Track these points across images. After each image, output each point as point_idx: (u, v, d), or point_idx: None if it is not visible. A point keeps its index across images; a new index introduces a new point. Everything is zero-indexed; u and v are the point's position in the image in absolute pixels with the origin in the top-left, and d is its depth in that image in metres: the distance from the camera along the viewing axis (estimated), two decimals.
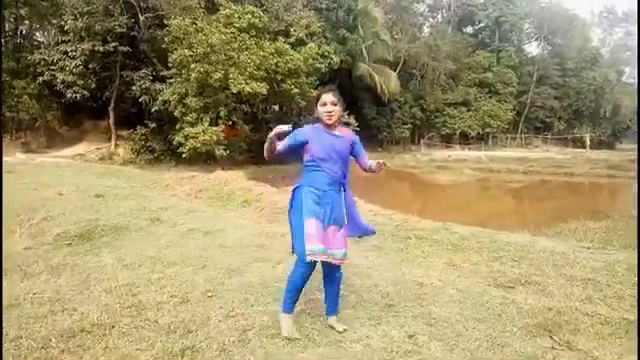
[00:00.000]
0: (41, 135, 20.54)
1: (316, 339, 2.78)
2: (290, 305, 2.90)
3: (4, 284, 3.46)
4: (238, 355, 2.59)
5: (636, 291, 3.41)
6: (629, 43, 51.92)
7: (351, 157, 2.98)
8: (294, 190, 2.93)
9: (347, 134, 2.98)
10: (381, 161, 2.86)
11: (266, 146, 2.81)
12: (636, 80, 52.01)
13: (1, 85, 18.38)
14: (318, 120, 2.91)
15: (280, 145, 2.83)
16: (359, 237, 3.34)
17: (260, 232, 5.70)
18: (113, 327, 2.88)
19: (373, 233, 3.26)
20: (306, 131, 2.90)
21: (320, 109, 2.87)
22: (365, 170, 2.98)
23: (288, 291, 2.88)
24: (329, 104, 2.85)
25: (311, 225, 2.74)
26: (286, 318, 2.88)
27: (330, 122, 2.87)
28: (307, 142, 2.86)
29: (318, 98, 2.90)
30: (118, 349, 2.63)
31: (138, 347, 2.65)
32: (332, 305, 3.00)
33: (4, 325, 2.77)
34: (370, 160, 2.95)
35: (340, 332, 2.88)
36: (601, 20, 54.13)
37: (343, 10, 29.07)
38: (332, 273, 2.92)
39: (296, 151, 2.90)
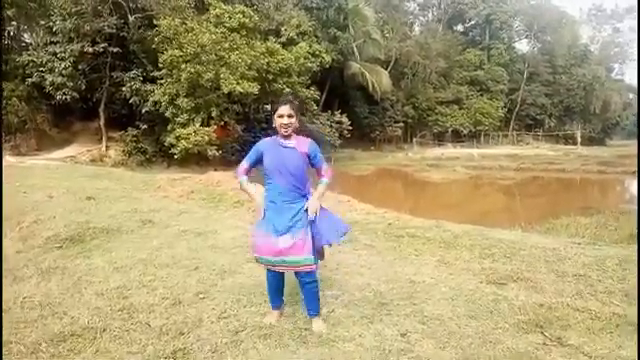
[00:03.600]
0: (31, 137, 20.29)
1: (308, 339, 2.78)
2: (273, 301, 3.12)
3: None
4: (230, 356, 2.58)
5: (636, 289, 3.43)
6: (617, 40, 52.57)
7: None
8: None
9: (302, 145, 2.92)
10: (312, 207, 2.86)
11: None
12: (624, 77, 52.70)
13: (0, 85, 18.15)
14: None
15: (243, 170, 2.98)
16: (339, 241, 3.15)
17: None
18: (104, 330, 2.87)
19: (345, 232, 3.16)
20: (260, 146, 2.96)
21: (277, 120, 2.86)
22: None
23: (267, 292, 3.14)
24: (285, 116, 2.83)
25: (259, 236, 2.91)
26: (271, 312, 3.12)
27: (286, 134, 2.87)
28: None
29: (276, 109, 2.89)
30: (109, 352, 2.62)
31: (129, 350, 2.64)
32: (308, 308, 3.02)
33: None
34: (320, 183, 2.98)
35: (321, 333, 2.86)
36: (590, 17, 54.75)
37: (333, 9, 29.06)
38: (299, 279, 2.97)
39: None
